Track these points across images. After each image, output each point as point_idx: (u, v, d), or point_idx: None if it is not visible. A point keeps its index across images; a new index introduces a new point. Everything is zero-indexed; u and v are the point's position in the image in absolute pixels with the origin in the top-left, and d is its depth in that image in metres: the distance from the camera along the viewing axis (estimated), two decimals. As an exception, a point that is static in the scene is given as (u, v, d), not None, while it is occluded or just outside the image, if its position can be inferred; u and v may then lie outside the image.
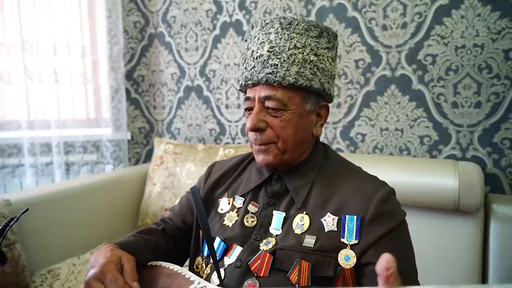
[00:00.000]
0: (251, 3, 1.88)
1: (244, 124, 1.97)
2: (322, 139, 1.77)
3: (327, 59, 0.77)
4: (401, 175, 1.36)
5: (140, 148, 2.27)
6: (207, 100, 2.07)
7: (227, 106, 2.02)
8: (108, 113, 2.12)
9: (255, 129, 0.75)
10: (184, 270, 0.69)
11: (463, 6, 1.43)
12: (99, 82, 2.10)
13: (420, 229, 1.36)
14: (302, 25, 0.75)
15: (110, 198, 1.78)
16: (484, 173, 1.44)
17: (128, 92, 2.20)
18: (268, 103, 0.74)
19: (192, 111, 2.13)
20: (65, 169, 1.99)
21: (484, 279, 1.31)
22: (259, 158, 0.78)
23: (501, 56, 1.39)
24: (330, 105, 1.69)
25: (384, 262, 0.36)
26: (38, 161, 1.90)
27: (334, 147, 1.75)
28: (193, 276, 0.66)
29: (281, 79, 0.72)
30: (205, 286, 0.61)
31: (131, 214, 1.90)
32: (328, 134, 1.75)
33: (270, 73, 0.73)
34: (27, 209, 0.54)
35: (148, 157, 2.27)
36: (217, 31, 1.99)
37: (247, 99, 0.78)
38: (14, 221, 0.52)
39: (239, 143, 2.00)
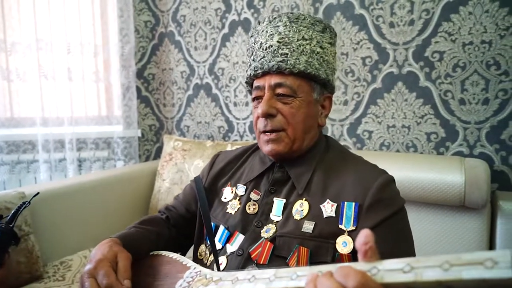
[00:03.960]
0: (259, 2, 1.90)
1: (252, 121, 1.99)
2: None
3: (330, 53, 0.81)
4: (407, 171, 1.36)
5: (150, 145, 2.32)
6: (215, 98, 2.10)
7: (235, 104, 2.05)
8: (119, 111, 2.16)
9: (266, 114, 0.76)
10: (182, 258, 0.72)
11: (471, 2, 1.43)
12: (110, 80, 2.15)
13: (426, 225, 1.36)
14: (308, 19, 0.79)
15: (120, 193, 1.82)
16: (492, 170, 1.43)
17: (138, 90, 2.24)
18: (279, 90, 0.77)
19: (201, 109, 2.16)
20: (78, 165, 2.05)
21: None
22: (267, 147, 0.79)
23: (510, 53, 1.38)
24: (337, 102, 1.73)
25: (363, 237, 0.37)
26: (51, 157, 1.96)
27: (340, 144, 1.75)
28: (189, 263, 0.69)
29: (291, 67, 0.75)
30: (200, 271, 0.64)
31: (141, 208, 1.94)
32: (335, 131, 1.76)
33: (281, 61, 0.76)
34: (38, 193, 0.57)
35: (158, 154, 2.31)
36: (226, 30, 2.02)
37: (257, 88, 0.80)
38: (25, 204, 0.55)
39: (247, 140, 2.02)
